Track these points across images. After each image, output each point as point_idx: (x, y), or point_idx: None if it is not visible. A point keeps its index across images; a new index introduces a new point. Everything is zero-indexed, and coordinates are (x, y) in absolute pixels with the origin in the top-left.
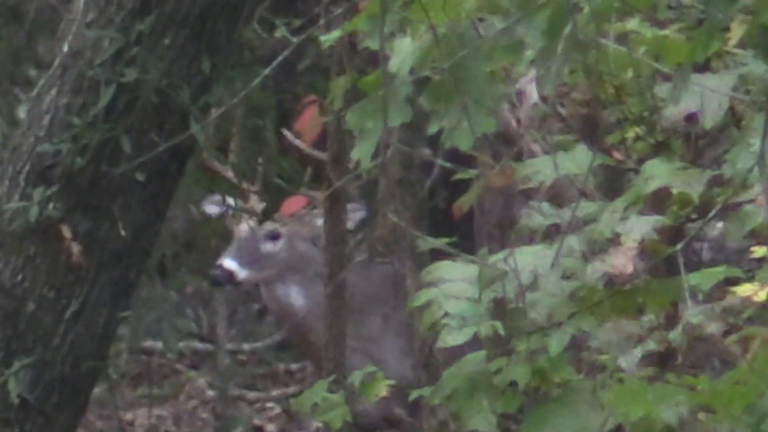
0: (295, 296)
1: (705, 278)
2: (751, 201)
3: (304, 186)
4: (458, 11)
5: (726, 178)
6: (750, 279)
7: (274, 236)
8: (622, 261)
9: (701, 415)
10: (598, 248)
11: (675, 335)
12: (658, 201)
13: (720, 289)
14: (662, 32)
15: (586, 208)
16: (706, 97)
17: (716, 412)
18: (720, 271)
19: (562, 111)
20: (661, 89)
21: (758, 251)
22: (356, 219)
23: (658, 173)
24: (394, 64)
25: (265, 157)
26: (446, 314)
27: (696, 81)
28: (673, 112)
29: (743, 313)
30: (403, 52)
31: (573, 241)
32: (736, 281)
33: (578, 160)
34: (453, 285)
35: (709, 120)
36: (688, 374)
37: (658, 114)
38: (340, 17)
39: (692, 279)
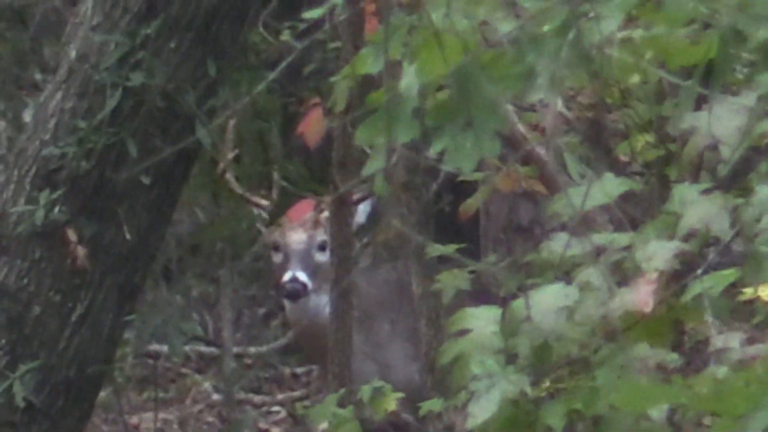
0: (325, 308)
1: (715, 281)
2: None
3: (310, 188)
4: (466, 41)
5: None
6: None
7: (323, 246)
8: (643, 297)
9: (707, 420)
10: (620, 277)
11: (700, 386)
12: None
13: (728, 292)
14: (667, 33)
15: (613, 239)
16: (724, 120)
17: (721, 415)
18: (730, 274)
19: (568, 114)
20: (686, 119)
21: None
22: (366, 212)
23: (688, 201)
24: (402, 85)
25: (272, 159)
26: (473, 377)
27: (716, 105)
28: (698, 142)
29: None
30: (412, 74)
31: (593, 276)
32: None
33: (607, 189)
34: (479, 334)
35: (728, 147)
36: None
37: (667, 122)
38: (345, 22)
39: (701, 284)
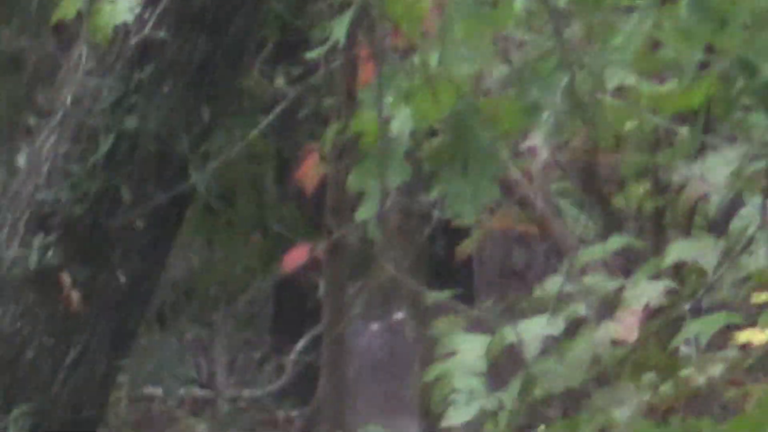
0: None
1: (705, 326)
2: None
3: (304, 234)
4: (460, 85)
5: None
6: (751, 324)
7: None
8: (628, 327)
9: None
10: (605, 312)
11: (667, 387)
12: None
13: (721, 336)
14: (660, 88)
15: (604, 282)
16: (717, 169)
17: None
18: (719, 318)
19: (561, 159)
20: (679, 170)
21: (758, 297)
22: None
23: (677, 248)
24: (394, 127)
25: (266, 204)
26: (455, 390)
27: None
28: (691, 193)
29: (744, 364)
30: (404, 116)
31: (580, 309)
32: (736, 327)
33: (606, 246)
34: (464, 358)
35: (717, 200)
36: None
37: (662, 171)
38: (340, 67)
39: (692, 327)
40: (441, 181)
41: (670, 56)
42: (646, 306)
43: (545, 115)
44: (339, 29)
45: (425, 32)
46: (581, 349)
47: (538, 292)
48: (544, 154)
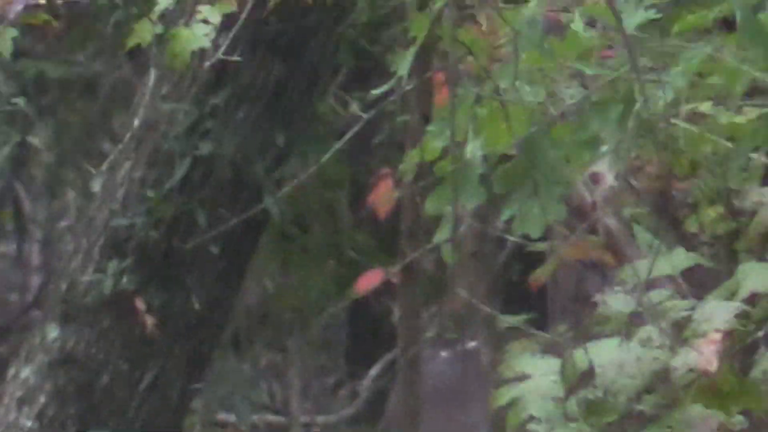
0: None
1: None
2: None
3: (378, 258)
4: (532, 111)
5: None
6: None
7: None
8: (707, 357)
9: None
10: (681, 342)
11: None
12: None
13: None
14: (737, 118)
15: (674, 304)
16: None
17: None
18: None
19: (636, 184)
20: (753, 194)
21: None
22: None
23: (752, 274)
24: (467, 151)
25: (340, 229)
26: (531, 417)
27: None
28: (763, 218)
29: None
30: (478, 141)
31: (653, 333)
32: None
33: (675, 262)
34: (536, 381)
35: None
36: None
37: (736, 195)
38: (414, 92)
39: None
40: (511, 202)
41: (718, 83)
42: (725, 335)
43: (605, 147)
44: (402, 65)
45: (496, 61)
46: (648, 366)
47: (602, 309)
48: (609, 180)
